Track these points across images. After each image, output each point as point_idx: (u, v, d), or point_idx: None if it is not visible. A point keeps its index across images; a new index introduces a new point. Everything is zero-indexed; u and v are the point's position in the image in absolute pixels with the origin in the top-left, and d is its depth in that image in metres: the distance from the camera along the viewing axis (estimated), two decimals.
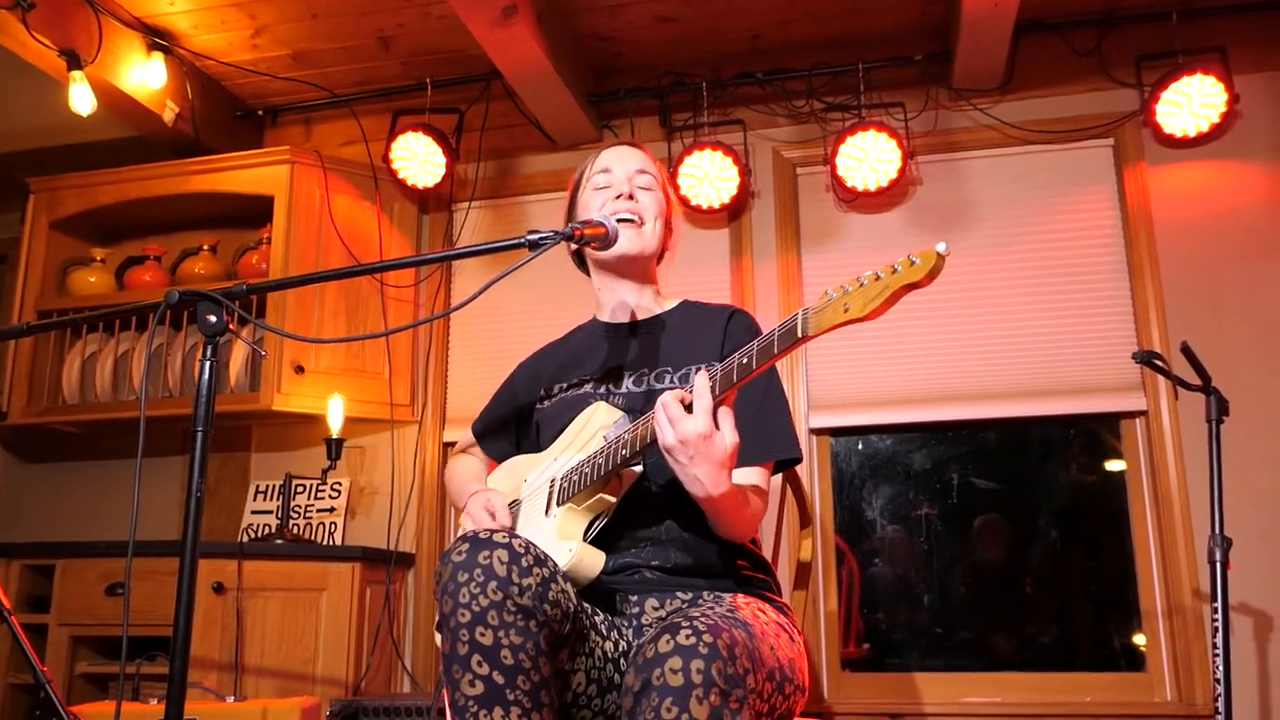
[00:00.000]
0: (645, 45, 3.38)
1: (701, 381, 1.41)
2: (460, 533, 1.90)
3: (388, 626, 3.16)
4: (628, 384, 1.79)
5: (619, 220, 1.76)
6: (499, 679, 1.32)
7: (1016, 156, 3.23)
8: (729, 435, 1.41)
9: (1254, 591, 2.78)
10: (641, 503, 1.65)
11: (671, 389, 1.73)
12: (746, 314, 1.85)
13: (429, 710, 2.56)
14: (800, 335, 1.32)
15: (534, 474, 1.78)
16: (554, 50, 3.05)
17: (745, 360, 1.37)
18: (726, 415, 1.42)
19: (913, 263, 1.20)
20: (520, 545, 1.37)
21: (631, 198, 1.82)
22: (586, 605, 1.52)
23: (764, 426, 1.68)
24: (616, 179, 1.84)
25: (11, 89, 3.53)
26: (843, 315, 1.26)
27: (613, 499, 1.61)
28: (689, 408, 1.41)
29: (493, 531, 1.39)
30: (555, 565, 1.42)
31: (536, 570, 1.36)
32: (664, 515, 1.66)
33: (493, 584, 1.33)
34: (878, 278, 1.23)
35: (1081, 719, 2.85)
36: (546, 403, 1.89)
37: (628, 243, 1.79)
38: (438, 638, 1.50)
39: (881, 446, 3.39)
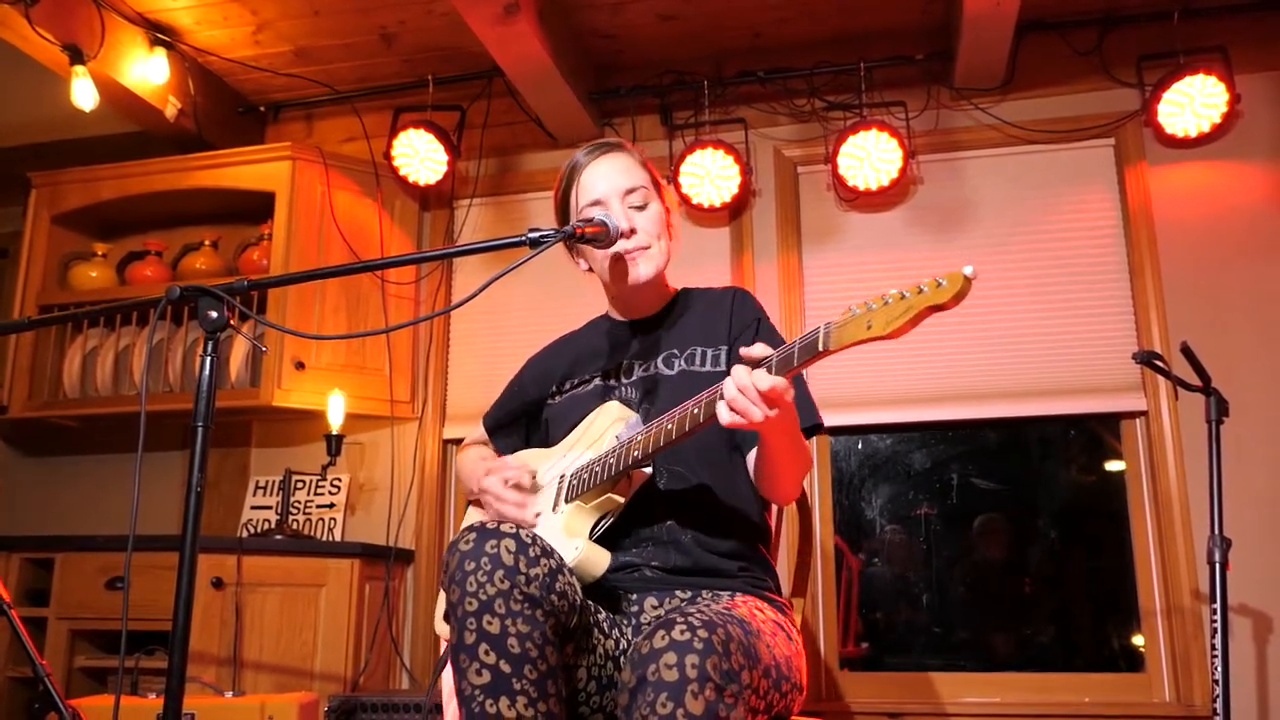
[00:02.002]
0: (646, 43, 3.38)
1: (761, 373, 1.37)
2: (466, 521, 1.91)
3: (387, 623, 3.16)
4: (636, 373, 1.80)
5: (628, 255, 1.74)
6: (506, 668, 1.32)
7: (1017, 156, 3.22)
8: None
9: (1253, 592, 2.78)
10: (645, 502, 1.65)
11: (681, 371, 1.74)
12: (746, 292, 1.87)
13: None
14: (821, 349, 1.30)
15: (543, 468, 1.78)
16: (555, 48, 3.05)
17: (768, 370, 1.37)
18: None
19: (939, 284, 1.18)
20: (528, 535, 1.38)
21: (633, 232, 1.74)
22: (590, 602, 1.52)
23: None
24: (612, 210, 1.74)
25: (14, 83, 3.53)
26: (865, 332, 1.25)
27: (621, 499, 1.61)
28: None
29: (499, 524, 1.39)
30: (562, 560, 1.43)
31: (544, 560, 1.37)
32: (666, 515, 1.66)
33: (500, 573, 1.33)
34: (902, 296, 1.22)
35: (1080, 719, 2.85)
36: (557, 398, 1.89)
37: (643, 272, 1.76)
38: (440, 626, 1.50)
39: (881, 446, 3.39)
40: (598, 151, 1.82)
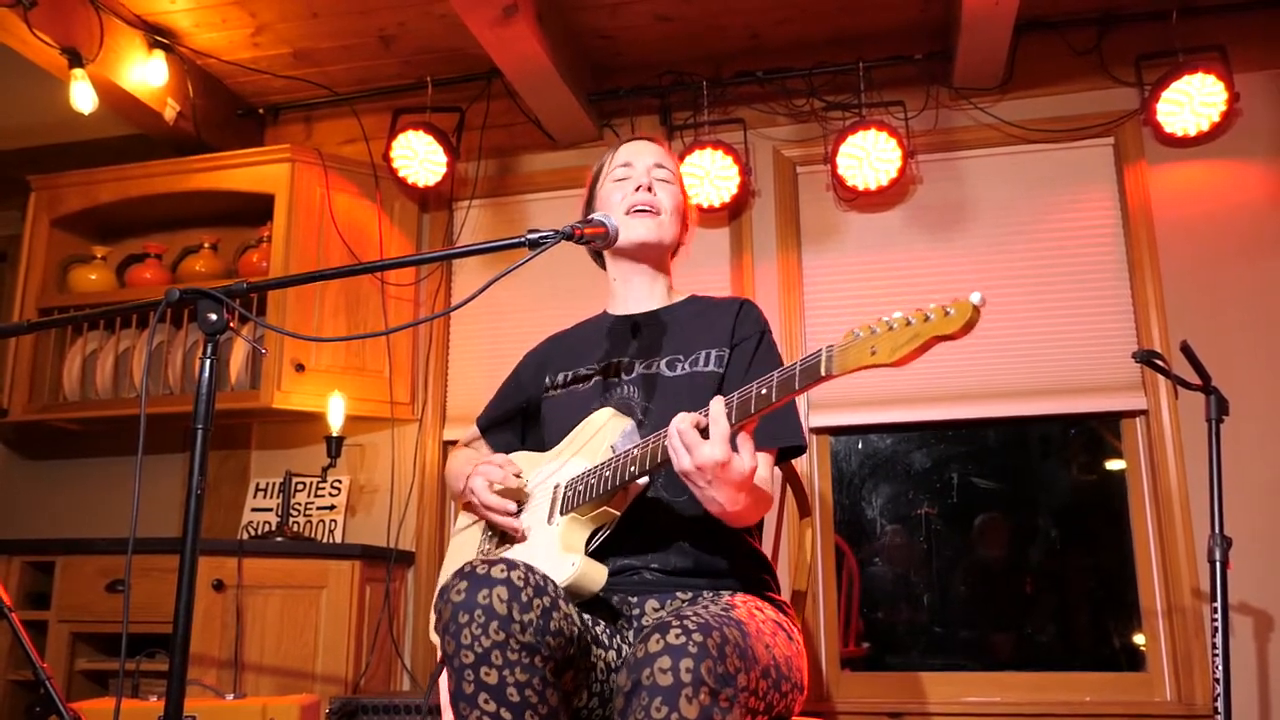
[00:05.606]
0: (645, 44, 3.38)
1: (717, 407, 1.39)
2: (458, 526, 1.90)
3: (387, 624, 3.16)
4: (638, 370, 1.78)
5: (637, 211, 1.83)
6: (507, 715, 1.31)
7: (1017, 155, 3.22)
8: (746, 460, 1.39)
9: (1254, 591, 2.78)
10: (642, 506, 1.64)
11: (684, 373, 1.72)
12: (755, 305, 1.86)
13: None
14: (823, 374, 1.29)
15: (536, 474, 1.76)
16: (554, 49, 3.05)
17: (764, 391, 1.36)
18: (745, 441, 1.40)
19: (947, 313, 1.16)
20: (519, 578, 1.34)
21: (650, 190, 1.86)
22: (587, 618, 1.51)
23: (769, 414, 1.66)
24: (636, 172, 1.88)
25: (13, 87, 3.53)
26: (869, 358, 1.23)
27: (617, 512, 1.60)
28: (704, 432, 1.39)
29: (490, 565, 1.36)
30: (556, 590, 1.39)
31: (537, 602, 1.34)
32: (665, 519, 1.65)
33: (494, 624, 1.31)
34: (908, 323, 1.19)
35: (1081, 718, 2.85)
36: (552, 393, 1.88)
37: (646, 231, 1.83)
38: (435, 637, 1.49)
39: (881, 446, 3.39)
40: (634, 137, 1.99)
